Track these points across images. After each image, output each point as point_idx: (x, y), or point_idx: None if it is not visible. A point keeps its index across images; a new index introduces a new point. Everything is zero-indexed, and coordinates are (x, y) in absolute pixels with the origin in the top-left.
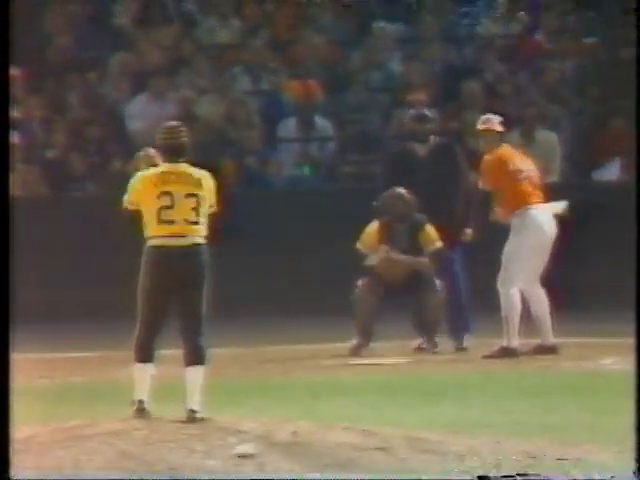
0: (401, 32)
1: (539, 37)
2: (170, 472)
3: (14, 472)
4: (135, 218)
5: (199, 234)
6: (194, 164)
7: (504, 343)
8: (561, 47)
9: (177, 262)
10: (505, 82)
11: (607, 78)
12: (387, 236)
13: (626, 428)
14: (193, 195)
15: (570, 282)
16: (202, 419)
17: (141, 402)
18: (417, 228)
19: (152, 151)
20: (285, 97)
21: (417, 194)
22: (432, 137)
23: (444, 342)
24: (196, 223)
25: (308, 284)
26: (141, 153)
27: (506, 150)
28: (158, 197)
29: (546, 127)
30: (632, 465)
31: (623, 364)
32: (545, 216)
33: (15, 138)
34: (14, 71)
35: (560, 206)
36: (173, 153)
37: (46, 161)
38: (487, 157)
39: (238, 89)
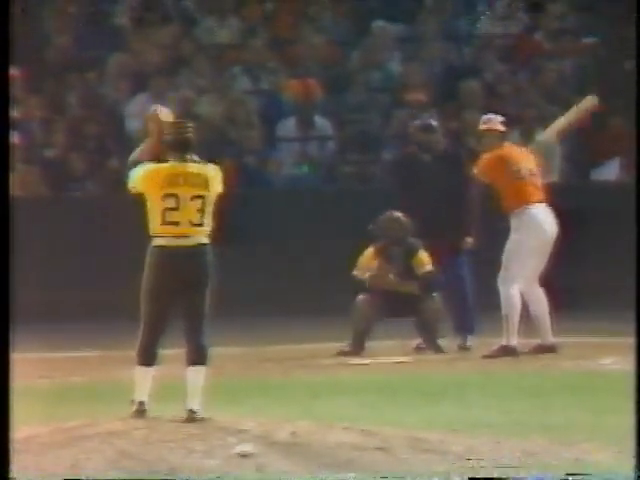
0: (401, 32)
1: (538, 37)
2: (170, 472)
3: (14, 472)
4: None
5: (203, 235)
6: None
7: (504, 342)
8: (560, 47)
9: (181, 263)
10: (505, 82)
11: (606, 78)
12: (382, 259)
13: (626, 428)
14: (199, 197)
15: (569, 282)
16: (202, 419)
17: (142, 404)
18: (411, 252)
19: (163, 109)
20: (285, 97)
21: (423, 200)
22: (438, 145)
23: (444, 342)
24: (200, 225)
25: (308, 284)
26: (151, 110)
27: (508, 148)
28: (163, 199)
29: (545, 127)
30: (632, 465)
31: (622, 364)
32: (545, 215)
33: (15, 138)
34: (14, 71)
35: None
36: (179, 149)
37: (46, 161)
38: (488, 153)
39: (238, 89)
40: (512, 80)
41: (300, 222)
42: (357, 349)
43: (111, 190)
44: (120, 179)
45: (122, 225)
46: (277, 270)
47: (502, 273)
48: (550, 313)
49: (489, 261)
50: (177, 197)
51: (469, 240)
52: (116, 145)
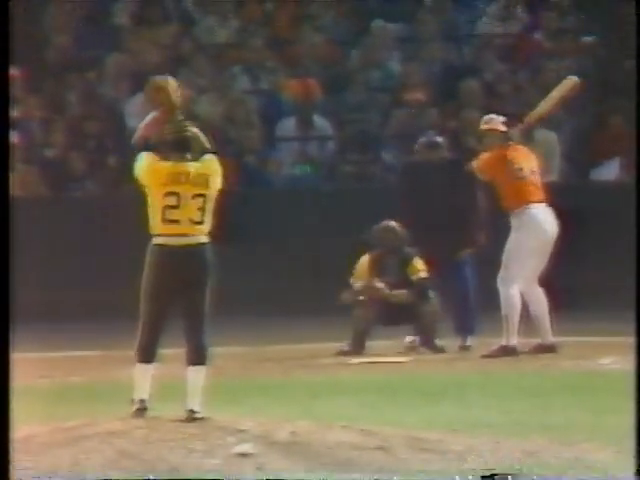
0: (400, 31)
1: (538, 36)
2: (169, 471)
3: (14, 472)
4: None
5: (203, 233)
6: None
7: (503, 342)
8: (560, 46)
9: (181, 261)
10: (504, 82)
11: (606, 77)
12: (378, 268)
13: (625, 427)
14: (200, 195)
15: (569, 281)
16: (202, 419)
17: (142, 401)
18: (406, 261)
19: (170, 79)
20: (284, 96)
21: (430, 206)
22: (444, 161)
23: (445, 342)
24: (201, 223)
25: (308, 283)
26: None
27: (509, 148)
28: (164, 196)
29: (545, 126)
30: (631, 464)
31: (622, 363)
32: (546, 215)
33: (14, 138)
34: (13, 71)
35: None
36: (178, 148)
37: (45, 161)
38: (489, 152)
39: (237, 88)
40: (512, 80)
41: (300, 222)
42: (357, 349)
43: (111, 189)
44: (120, 178)
45: (122, 225)
46: (277, 270)
47: (502, 273)
48: (550, 313)
49: (489, 261)
50: (178, 195)
51: (469, 250)
52: (116, 144)
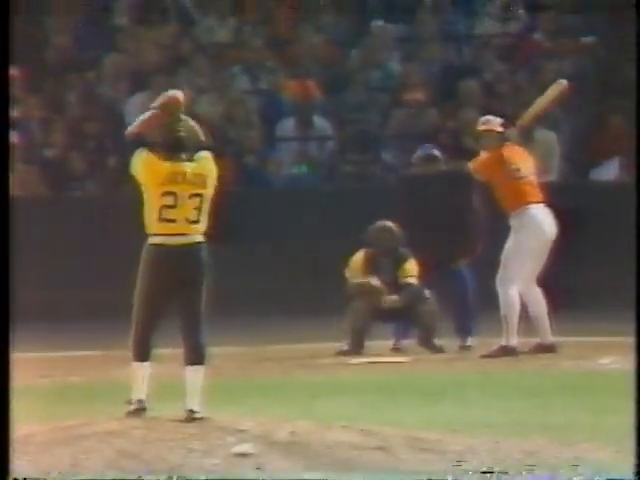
0: (400, 31)
1: (538, 36)
2: (169, 471)
3: (13, 471)
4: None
5: (199, 232)
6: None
7: (503, 342)
8: (560, 46)
9: (178, 261)
10: (504, 81)
11: (606, 77)
12: (372, 267)
13: (625, 427)
14: (197, 195)
15: (568, 281)
16: (201, 419)
17: (141, 401)
18: (400, 262)
19: (179, 94)
20: (284, 96)
21: (428, 218)
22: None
23: (444, 342)
24: (197, 222)
25: (307, 283)
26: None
27: (507, 149)
28: (161, 196)
29: (545, 127)
30: (631, 464)
31: (622, 363)
32: (545, 216)
33: (14, 138)
34: (13, 71)
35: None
36: (173, 149)
37: (45, 161)
38: (487, 153)
39: (237, 88)
40: (511, 80)
41: (299, 222)
42: (356, 348)
43: (111, 189)
44: (120, 178)
45: (122, 225)
46: (276, 270)
47: (501, 273)
48: (549, 313)
49: (488, 261)
50: (175, 195)
51: (466, 259)
52: (115, 145)
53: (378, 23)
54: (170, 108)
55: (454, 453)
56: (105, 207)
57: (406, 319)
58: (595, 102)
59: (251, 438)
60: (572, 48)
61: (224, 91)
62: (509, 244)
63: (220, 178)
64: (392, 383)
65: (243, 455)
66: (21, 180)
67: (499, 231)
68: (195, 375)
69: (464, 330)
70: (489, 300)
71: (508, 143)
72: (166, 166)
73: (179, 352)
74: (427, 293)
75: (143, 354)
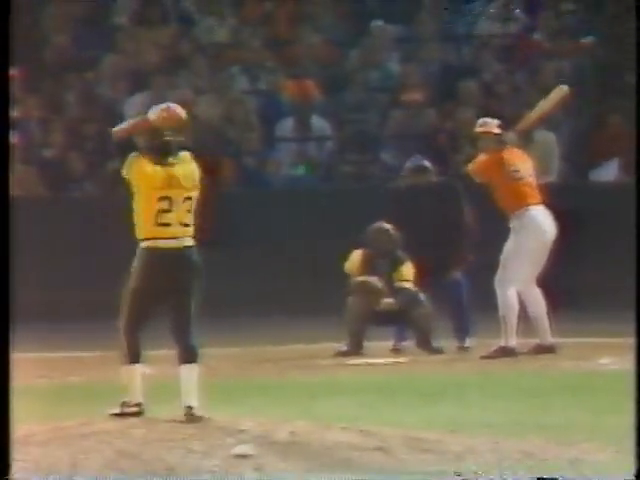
0: (399, 32)
1: (537, 37)
2: (168, 472)
3: (13, 471)
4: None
5: (191, 235)
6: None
7: (502, 343)
8: (559, 47)
9: (172, 264)
10: (503, 82)
11: (605, 78)
12: (369, 268)
13: (624, 428)
14: (189, 198)
15: (568, 282)
16: (200, 417)
17: (139, 405)
18: (397, 264)
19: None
20: (283, 97)
21: (419, 229)
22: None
23: (444, 343)
24: (189, 225)
25: (306, 284)
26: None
27: (505, 150)
28: (158, 200)
29: (544, 127)
30: (630, 464)
31: (621, 364)
32: (545, 217)
33: (13, 138)
34: (12, 71)
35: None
36: (161, 153)
37: (44, 161)
38: (486, 155)
39: (236, 89)
40: (510, 80)
41: (298, 222)
42: (355, 349)
43: (109, 190)
44: (119, 179)
45: (121, 225)
46: (275, 270)
47: (499, 274)
48: (549, 313)
49: (487, 262)
50: (171, 199)
51: (459, 269)
52: (114, 145)
53: (377, 23)
54: (169, 123)
55: (453, 453)
56: (104, 207)
57: (401, 322)
58: (594, 103)
59: (250, 439)
60: (571, 48)
61: (223, 91)
62: (509, 245)
63: (219, 177)
64: (391, 384)
65: (242, 456)
66: (20, 180)
67: (496, 233)
68: (190, 373)
69: (461, 332)
70: (488, 301)
71: (506, 145)
72: (160, 170)
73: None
74: (422, 296)
75: (136, 357)
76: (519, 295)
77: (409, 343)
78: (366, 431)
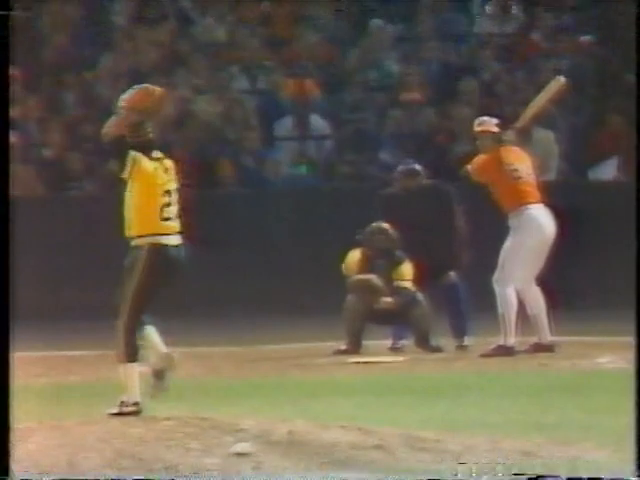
0: (398, 31)
1: (535, 36)
2: (166, 471)
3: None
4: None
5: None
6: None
7: (501, 341)
8: (557, 46)
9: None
10: (501, 81)
11: (604, 77)
12: (367, 268)
13: (622, 427)
14: (177, 190)
15: (566, 281)
16: (199, 418)
17: (137, 404)
18: (395, 264)
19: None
20: (282, 96)
21: (412, 232)
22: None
23: (442, 341)
24: (178, 218)
25: (305, 283)
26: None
27: (504, 149)
28: (162, 195)
29: (543, 126)
30: (628, 464)
31: (619, 363)
32: (544, 216)
33: (12, 137)
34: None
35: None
36: (148, 148)
37: (43, 160)
38: (484, 154)
39: (235, 88)
40: (509, 79)
41: (297, 221)
42: (354, 348)
43: (109, 189)
44: (118, 178)
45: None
46: (274, 270)
47: (498, 273)
48: (547, 312)
49: (485, 261)
50: (170, 193)
51: (452, 274)
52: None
53: (376, 23)
54: (143, 103)
55: (452, 452)
56: (103, 207)
57: (400, 322)
58: (593, 101)
59: (249, 437)
60: (570, 47)
61: (222, 91)
62: (508, 244)
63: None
64: (390, 383)
65: (241, 454)
66: (19, 180)
67: (495, 233)
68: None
69: (459, 331)
70: (486, 300)
71: (505, 144)
72: (160, 165)
73: (178, 352)
74: (420, 296)
75: (135, 355)
76: (518, 294)
77: (407, 342)
78: (365, 430)
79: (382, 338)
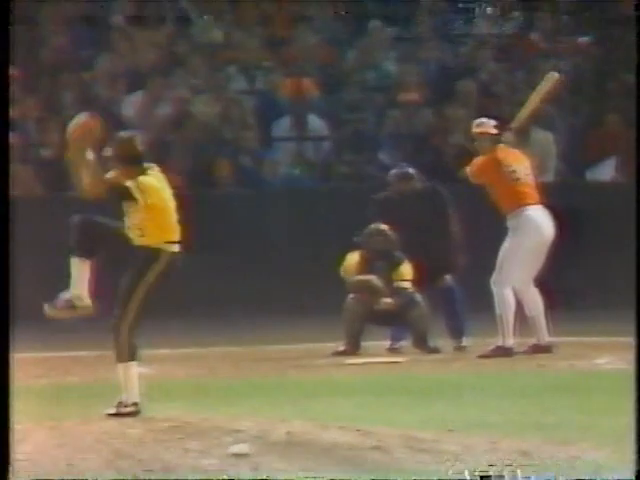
0: (396, 31)
1: (534, 36)
2: (165, 471)
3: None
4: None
5: None
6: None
7: (499, 342)
8: (556, 46)
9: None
10: (500, 82)
11: (602, 77)
12: (366, 269)
13: (620, 427)
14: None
15: (564, 281)
16: (199, 419)
17: (135, 404)
18: (395, 265)
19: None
20: (280, 96)
21: (407, 236)
22: (416, 191)
23: (441, 342)
24: None
25: (303, 284)
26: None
27: (502, 151)
28: (171, 202)
29: (541, 126)
30: (627, 464)
31: (617, 363)
32: (543, 217)
33: (11, 137)
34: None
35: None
36: (141, 160)
37: (41, 160)
38: (482, 156)
39: (233, 89)
40: (507, 80)
41: (296, 222)
42: (353, 348)
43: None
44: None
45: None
46: (273, 269)
47: (496, 274)
48: (546, 313)
49: (483, 262)
50: (172, 200)
51: (449, 275)
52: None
53: (374, 23)
54: (84, 134)
55: (450, 453)
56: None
57: (399, 323)
58: (591, 102)
59: (247, 438)
60: (568, 48)
61: (220, 91)
62: (506, 245)
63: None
64: (388, 383)
65: (239, 455)
66: (17, 180)
67: (491, 235)
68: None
69: (457, 332)
70: (484, 301)
71: (503, 145)
72: (155, 174)
73: (177, 353)
74: (419, 297)
75: (134, 354)
76: (516, 294)
77: (406, 343)
78: (363, 431)
79: (380, 339)
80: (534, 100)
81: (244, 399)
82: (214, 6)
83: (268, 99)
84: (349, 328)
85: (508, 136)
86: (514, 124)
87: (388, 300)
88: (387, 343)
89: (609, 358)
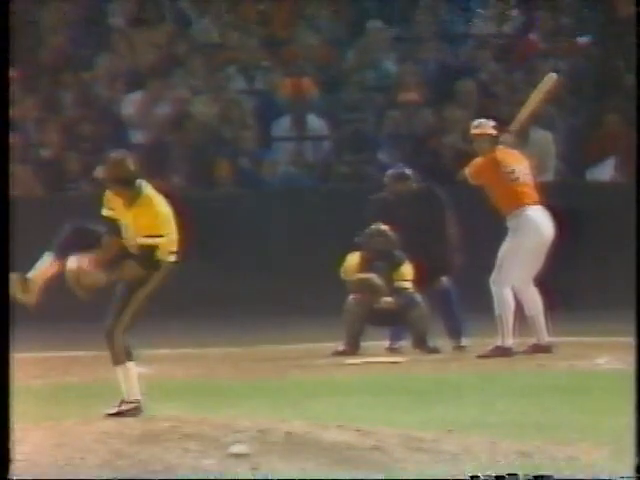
0: (395, 31)
1: (533, 36)
2: (164, 471)
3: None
4: None
5: None
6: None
7: (499, 342)
8: (556, 46)
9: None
10: (499, 82)
11: (601, 77)
12: (367, 270)
13: (620, 427)
14: None
15: (564, 281)
16: (198, 419)
17: (135, 404)
18: (395, 265)
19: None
20: (279, 96)
21: (403, 237)
22: (413, 191)
23: (440, 342)
24: None
25: (303, 284)
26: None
27: (501, 152)
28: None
29: (541, 126)
30: (627, 464)
31: (617, 363)
32: (543, 217)
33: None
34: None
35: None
36: (134, 181)
37: (41, 160)
38: (481, 157)
39: (232, 89)
40: (507, 80)
41: (295, 222)
42: (352, 349)
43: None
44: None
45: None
46: (273, 269)
47: (495, 274)
48: (545, 313)
49: (482, 263)
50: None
51: (445, 276)
52: (111, 145)
53: (374, 23)
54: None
55: (450, 453)
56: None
57: (398, 323)
58: (591, 102)
59: (247, 438)
60: (568, 48)
61: (219, 91)
62: (506, 245)
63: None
64: (388, 383)
65: (239, 455)
66: (17, 180)
67: (490, 235)
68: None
69: (455, 332)
70: (483, 301)
71: (501, 146)
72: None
73: (177, 353)
74: (419, 297)
75: (131, 354)
76: (516, 294)
77: (405, 343)
78: (363, 431)
79: (380, 339)
80: (533, 101)
81: (244, 399)
82: (213, 6)
83: (267, 99)
84: (349, 328)
85: (507, 137)
86: (513, 127)
87: (389, 299)
88: (387, 343)
89: (609, 358)
